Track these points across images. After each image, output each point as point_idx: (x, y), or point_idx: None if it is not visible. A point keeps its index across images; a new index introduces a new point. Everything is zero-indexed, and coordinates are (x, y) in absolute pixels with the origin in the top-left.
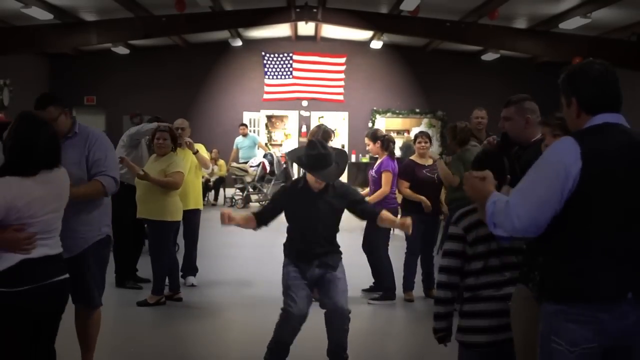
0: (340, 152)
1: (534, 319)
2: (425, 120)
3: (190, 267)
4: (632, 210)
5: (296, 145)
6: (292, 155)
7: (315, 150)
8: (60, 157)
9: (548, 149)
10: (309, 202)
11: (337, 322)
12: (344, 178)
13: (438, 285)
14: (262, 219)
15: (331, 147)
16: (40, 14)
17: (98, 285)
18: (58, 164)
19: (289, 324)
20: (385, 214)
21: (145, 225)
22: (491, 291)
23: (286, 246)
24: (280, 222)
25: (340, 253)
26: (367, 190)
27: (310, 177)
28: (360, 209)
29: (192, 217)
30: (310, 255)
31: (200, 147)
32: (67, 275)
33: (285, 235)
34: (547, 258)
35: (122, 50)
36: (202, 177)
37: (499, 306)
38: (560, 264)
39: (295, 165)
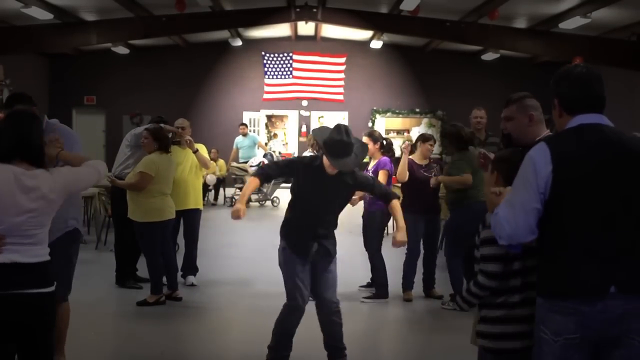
0: (362, 145)
1: None
2: (425, 120)
3: (191, 267)
4: (613, 208)
5: (291, 146)
6: (318, 135)
7: (340, 136)
8: (44, 158)
9: (526, 156)
10: (319, 182)
11: (328, 316)
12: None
13: (476, 284)
14: (264, 177)
15: (355, 138)
16: (40, 14)
17: (62, 281)
18: (41, 164)
19: (295, 316)
20: (396, 205)
21: None
22: (516, 296)
23: (285, 225)
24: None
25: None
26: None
27: (326, 161)
28: (375, 190)
29: (192, 217)
30: (310, 237)
31: (200, 148)
32: (45, 290)
33: None
34: (539, 257)
35: (122, 50)
36: (203, 176)
37: (531, 311)
38: (545, 262)
39: None
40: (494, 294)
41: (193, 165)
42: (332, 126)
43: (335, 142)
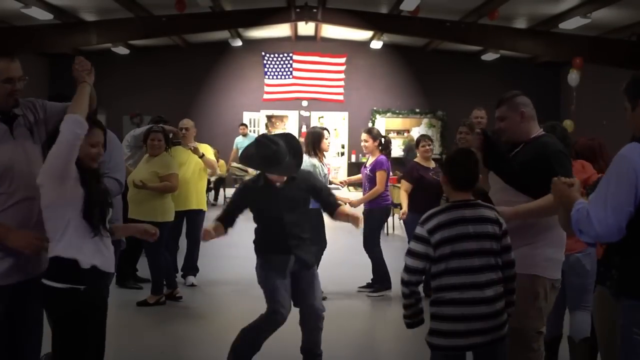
0: (288, 140)
1: (613, 318)
2: (425, 121)
3: (191, 267)
4: None
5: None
6: (244, 159)
7: (265, 149)
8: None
9: (616, 156)
10: (272, 198)
11: (313, 323)
12: (343, 178)
13: (401, 282)
14: (227, 222)
15: (280, 137)
16: (40, 14)
17: None
18: None
19: (274, 326)
20: (341, 209)
21: None
22: (454, 294)
23: (257, 243)
24: None
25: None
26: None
27: (270, 175)
28: (322, 200)
29: (195, 218)
30: (284, 250)
31: (206, 148)
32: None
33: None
34: (625, 257)
35: (122, 50)
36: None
37: (465, 310)
38: (638, 262)
39: None
40: (433, 291)
41: (197, 167)
42: (330, 127)
43: (264, 156)
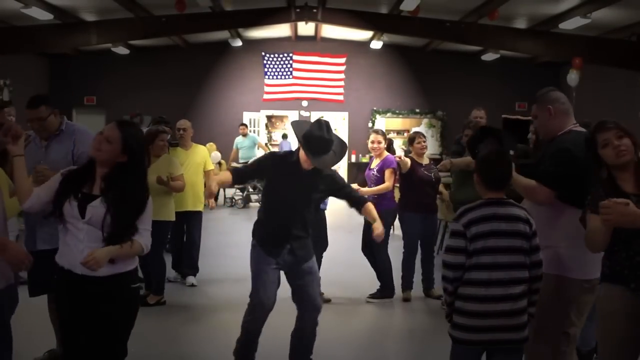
0: (341, 143)
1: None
2: (425, 121)
3: (191, 267)
4: None
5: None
6: (296, 128)
7: (320, 132)
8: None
9: None
10: (294, 178)
11: (311, 316)
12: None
13: (442, 278)
14: (240, 177)
15: (335, 135)
16: (40, 14)
17: None
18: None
19: (257, 314)
20: (370, 206)
21: None
22: (481, 290)
23: (257, 226)
24: None
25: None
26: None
27: (303, 155)
28: (347, 195)
29: (192, 218)
30: (283, 237)
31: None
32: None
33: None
34: None
35: (122, 50)
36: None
37: (489, 307)
38: None
39: None
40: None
41: (194, 168)
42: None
43: (316, 137)
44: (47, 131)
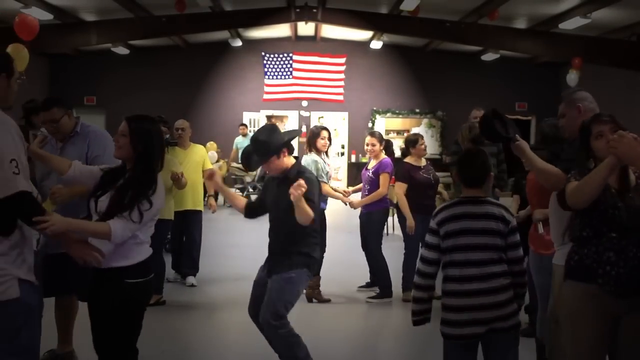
0: (269, 130)
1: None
2: (425, 121)
3: (192, 267)
4: None
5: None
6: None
7: (250, 145)
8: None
9: None
10: (272, 189)
11: (266, 333)
12: (343, 178)
13: (416, 272)
14: (250, 210)
15: (260, 131)
16: (40, 14)
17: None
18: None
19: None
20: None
21: None
22: (455, 285)
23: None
24: None
25: (301, 255)
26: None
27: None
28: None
29: (192, 218)
30: (269, 250)
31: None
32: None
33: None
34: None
35: (122, 50)
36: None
37: (467, 301)
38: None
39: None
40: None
41: (193, 168)
42: (330, 127)
43: (250, 151)
44: (61, 133)
